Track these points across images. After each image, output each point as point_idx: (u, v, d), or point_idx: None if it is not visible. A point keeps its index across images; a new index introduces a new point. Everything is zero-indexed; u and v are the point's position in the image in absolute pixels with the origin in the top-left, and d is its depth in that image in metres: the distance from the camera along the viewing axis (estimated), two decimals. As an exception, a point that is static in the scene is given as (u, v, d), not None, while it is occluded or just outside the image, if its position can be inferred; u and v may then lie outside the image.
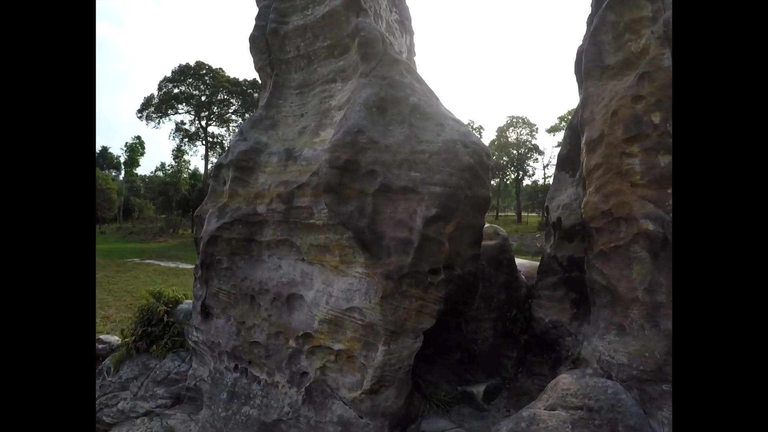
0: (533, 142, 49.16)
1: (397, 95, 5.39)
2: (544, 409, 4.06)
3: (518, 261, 6.69)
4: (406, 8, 7.71)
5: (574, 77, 5.90)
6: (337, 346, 5.15)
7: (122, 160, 58.36)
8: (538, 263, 6.91)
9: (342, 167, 4.97)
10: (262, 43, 6.93)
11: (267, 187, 6.01)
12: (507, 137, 47.88)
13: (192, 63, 41.89)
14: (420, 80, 5.78)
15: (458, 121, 5.34)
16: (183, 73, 41.71)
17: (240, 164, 6.35)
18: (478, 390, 5.62)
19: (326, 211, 5.20)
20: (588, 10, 5.79)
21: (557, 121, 46.83)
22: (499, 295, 6.18)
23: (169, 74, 42.37)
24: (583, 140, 4.99)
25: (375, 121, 5.23)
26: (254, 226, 6.10)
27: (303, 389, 5.29)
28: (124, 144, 51.36)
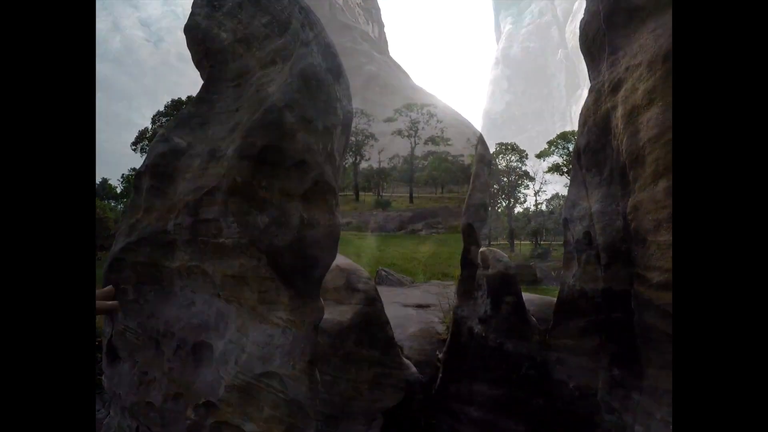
0: (523, 168, 46.81)
1: (348, 64, 3.54)
2: None
3: (526, 297, 4.51)
4: None
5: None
6: (248, 427, 3.06)
7: (119, 191, 58.06)
8: (551, 298, 4.81)
9: (256, 158, 3.05)
10: (198, 32, 5.20)
11: (181, 197, 4.09)
12: (497, 165, 45.63)
13: (183, 98, 40.75)
14: (382, 51, 3.95)
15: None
16: (175, 107, 40.43)
17: (156, 170, 4.40)
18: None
19: (237, 225, 3.24)
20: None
21: (546, 146, 44.54)
22: (501, 346, 4.04)
23: (162, 108, 41.42)
24: (619, 113, 3.04)
25: (314, 96, 3.36)
26: (163, 247, 4.10)
27: (207, 481, 3.21)
28: (121, 176, 50.97)
